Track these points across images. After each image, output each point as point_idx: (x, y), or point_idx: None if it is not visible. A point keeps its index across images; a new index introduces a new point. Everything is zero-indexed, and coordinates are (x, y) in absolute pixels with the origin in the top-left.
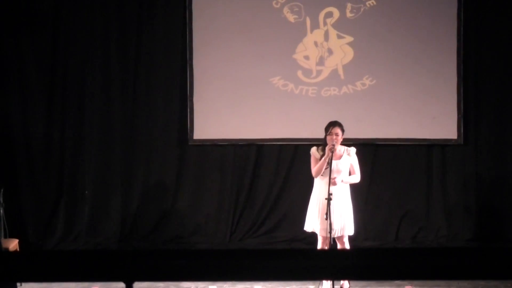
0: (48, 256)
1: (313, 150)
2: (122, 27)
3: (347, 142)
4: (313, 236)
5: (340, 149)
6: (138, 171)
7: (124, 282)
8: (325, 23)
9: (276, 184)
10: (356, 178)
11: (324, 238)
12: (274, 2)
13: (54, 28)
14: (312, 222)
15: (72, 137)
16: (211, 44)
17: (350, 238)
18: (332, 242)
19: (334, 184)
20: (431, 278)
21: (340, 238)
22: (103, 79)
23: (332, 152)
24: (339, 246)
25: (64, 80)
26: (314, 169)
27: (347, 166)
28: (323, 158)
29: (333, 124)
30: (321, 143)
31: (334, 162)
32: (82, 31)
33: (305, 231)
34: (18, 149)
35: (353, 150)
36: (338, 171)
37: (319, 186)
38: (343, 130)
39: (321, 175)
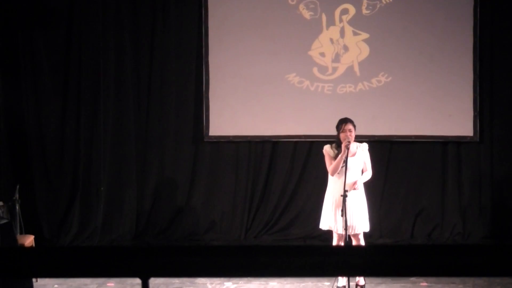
0: (64, 252)
1: (327, 148)
2: (137, 25)
3: (362, 139)
4: (327, 233)
5: (353, 145)
6: (153, 168)
7: (140, 278)
8: (341, 20)
9: (291, 181)
10: (369, 174)
11: (340, 235)
12: None
13: (68, 25)
14: (328, 220)
15: (87, 134)
16: (226, 41)
17: (365, 235)
18: (347, 239)
19: (356, 189)
20: (446, 275)
21: (356, 235)
22: (118, 76)
23: (348, 149)
24: (354, 243)
25: (79, 77)
26: (330, 167)
27: (361, 163)
28: (339, 156)
29: (344, 121)
30: (334, 140)
31: (349, 159)
32: (96, 28)
33: (320, 228)
34: (33, 146)
35: (365, 146)
36: (353, 168)
37: (334, 183)
38: (354, 126)
39: (338, 172)
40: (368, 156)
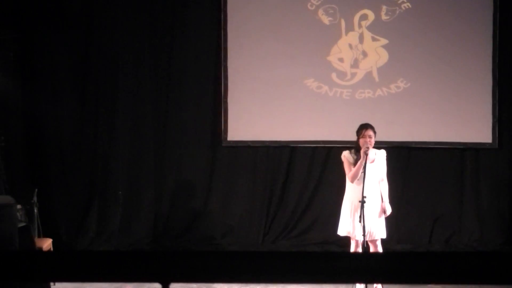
0: (85, 256)
1: (346, 154)
2: (155, 28)
3: (380, 145)
4: (345, 239)
5: (371, 152)
6: (171, 172)
7: (161, 283)
8: (360, 26)
9: (308, 186)
10: (386, 185)
11: (357, 242)
12: (309, 4)
13: (86, 28)
14: (346, 226)
15: (105, 138)
16: (245, 46)
17: (382, 241)
18: (365, 246)
19: (386, 214)
20: (464, 282)
21: (373, 241)
22: (136, 80)
23: (367, 155)
24: (372, 249)
25: (97, 81)
26: (350, 174)
27: (379, 170)
28: (359, 162)
29: (365, 126)
30: (353, 146)
31: (367, 166)
32: (114, 31)
33: (337, 234)
34: (51, 149)
35: (383, 153)
36: (372, 175)
37: (352, 189)
38: (375, 132)
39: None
40: (385, 164)
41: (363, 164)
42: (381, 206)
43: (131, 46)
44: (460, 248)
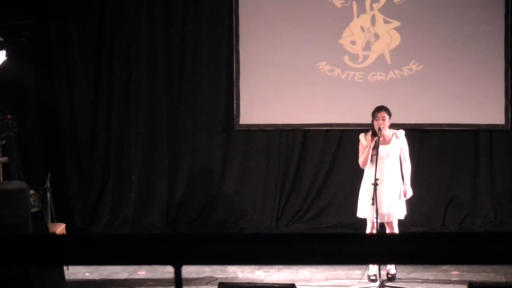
0: (96, 239)
1: (361, 137)
2: (169, 14)
3: (393, 128)
4: (359, 221)
5: (388, 133)
6: (184, 156)
7: (173, 265)
8: (371, 8)
9: (322, 169)
10: (409, 167)
11: (373, 223)
12: None
13: (100, 15)
14: (364, 208)
15: (119, 123)
16: (257, 29)
17: (399, 222)
18: (380, 227)
19: (406, 197)
20: (478, 263)
21: (390, 223)
22: (149, 64)
23: (379, 136)
24: (388, 231)
25: (111, 65)
26: (360, 159)
27: (397, 151)
28: (367, 150)
29: (378, 109)
30: (369, 129)
31: (384, 148)
32: (127, 18)
33: (351, 217)
34: (65, 135)
35: (401, 132)
36: (389, 156)
37: (370, 171)
38: (389, 114)
39: (371, 161)
40: (405, 143)
41: (375, 145)
42: (402, 188)
43: (144, 33)
44: (473, 231)
